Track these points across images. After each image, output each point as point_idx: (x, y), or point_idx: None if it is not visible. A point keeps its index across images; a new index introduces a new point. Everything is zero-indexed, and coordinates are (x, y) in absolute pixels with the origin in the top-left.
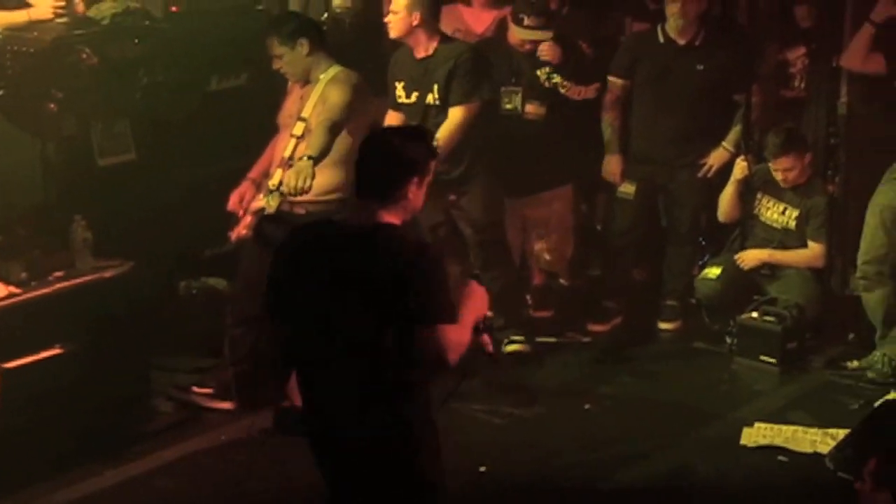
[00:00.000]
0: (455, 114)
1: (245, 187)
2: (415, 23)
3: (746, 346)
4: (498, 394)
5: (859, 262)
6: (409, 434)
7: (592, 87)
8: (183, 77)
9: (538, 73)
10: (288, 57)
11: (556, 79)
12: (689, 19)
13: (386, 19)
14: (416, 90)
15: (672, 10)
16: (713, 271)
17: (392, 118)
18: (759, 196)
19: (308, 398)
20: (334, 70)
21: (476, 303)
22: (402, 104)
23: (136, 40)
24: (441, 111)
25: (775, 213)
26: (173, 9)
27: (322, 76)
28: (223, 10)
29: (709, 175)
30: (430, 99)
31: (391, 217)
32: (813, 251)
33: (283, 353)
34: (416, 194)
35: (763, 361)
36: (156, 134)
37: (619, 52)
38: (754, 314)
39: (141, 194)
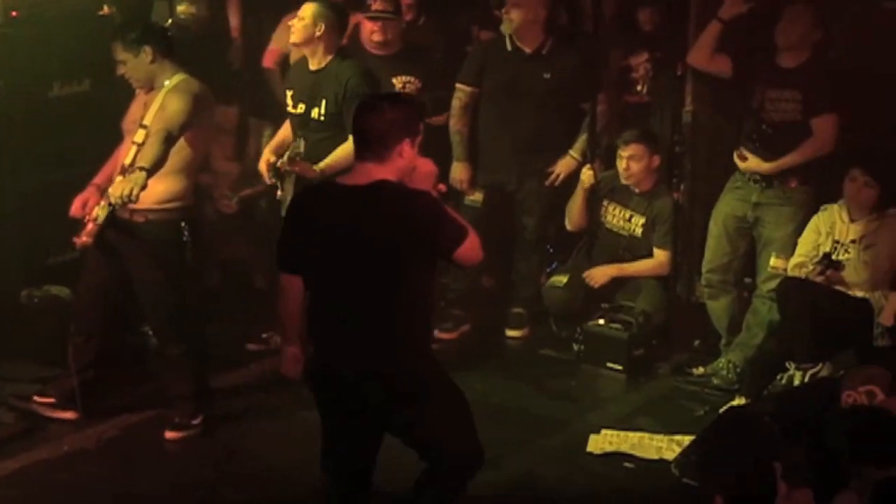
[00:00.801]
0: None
1: (89, 193)
2: (317, 33)
3: (593, 353)
4: None
5: (704, 270)
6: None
7: (444, 116)
8: (24, 82)
9: (393, 80)
10: (131, 63)
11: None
12: (531, 31)
13: (290, 22)
14: (303, 101)
15: (514, 18)
16: (560, 280)
17: (287, 122)
18: (605, 203)
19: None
20: (177, 78)
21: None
22: (290, 113)
23: None
24: (323, 127)
25: (621, 220)
26: (14, 13)
27: (166, 84)
28: (65, 16)
29: (556, 183)
30: (315, 113)
31: (387, 175)
32: (658, 259)
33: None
34: (409, 154)
35: (610, 368)
36: None
37: (468, 59)
38: (601, 321)
39: None
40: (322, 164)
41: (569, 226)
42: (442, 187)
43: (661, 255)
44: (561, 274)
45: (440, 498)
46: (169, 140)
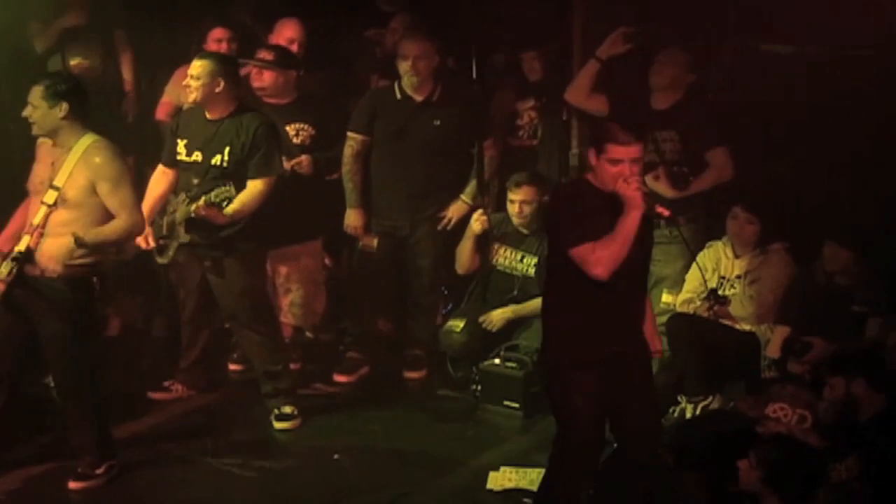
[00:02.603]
0: (255, 186)
1: None
2: (217, 90)
3: (490, 392)
4: (248, 447)
5: None
6: None
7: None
8: None
9: (287, 128)
10: (42, 112)
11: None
12: (423, 76)
13: (185, 83)
14: (200, 150)
15: (404, 67)
16: (457, 324)
17: (163, 174)
18: (496, 246)
19: None
20: (90, 139)
21: None
22: (182, 161)
23: None
24: (224, 175)
25: (513, 261)
26: None
27: (75, 144)
28: None
29: (448, 227)
30: (216, 160)
31: None
32: None
33: None
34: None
35: (507, 406)
36: None
37: (358, 108)
38: (496, 360)
39: None
40: (230, 210)
41: (459, 269)
42: None
43: None
44: (457, 318)
45: None
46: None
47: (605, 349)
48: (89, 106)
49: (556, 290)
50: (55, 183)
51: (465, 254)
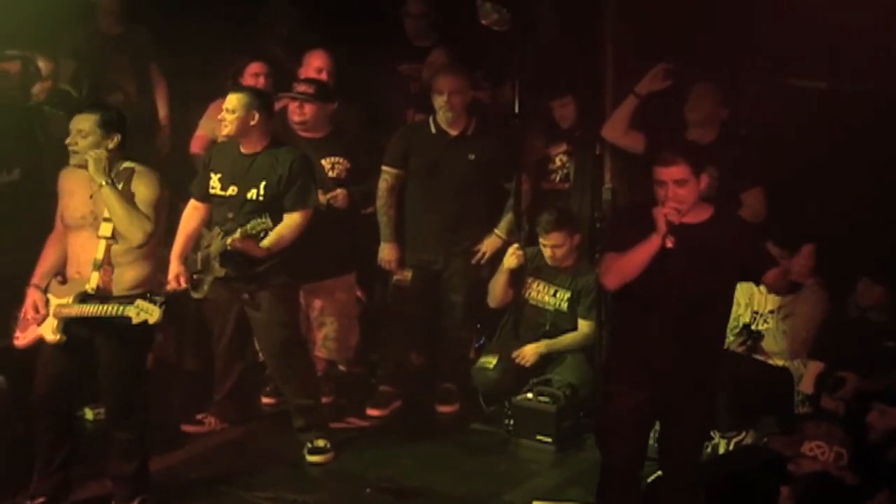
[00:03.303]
0: (293, 219)
1: (35, 296)
2: (252, 123)
3: (522, 427)
4: (281, 481)
5: None
6: None
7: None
8: None
9: (323, 162)
10: (93, 141)
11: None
12: (458, 111)
13: (219, 117)
14: (235, 184)
15: (439, 102)
16: (490, 361)
17: (195, 209)
18: (529, 280)
19: None
20: (132, 166)
21: None
22: (216, 196)
23: None
24: (260, 208)
25: (546, 295)
26: None
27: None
28: None
29: (482, 261)
30: (251, 194)
31: None
32: (583, 331)
33: None
34: None
35: (539, 441)
36: None
37: (393, 142)
38: (529, 395)
39: None
40: (267, 242)
41: (491, 303)
42: None
43: (585, 327)
44: (490, 355)
45: None
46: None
47: (653, 373)
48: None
49: (617, 313)
50: (106, 215)
51: (498, 287)
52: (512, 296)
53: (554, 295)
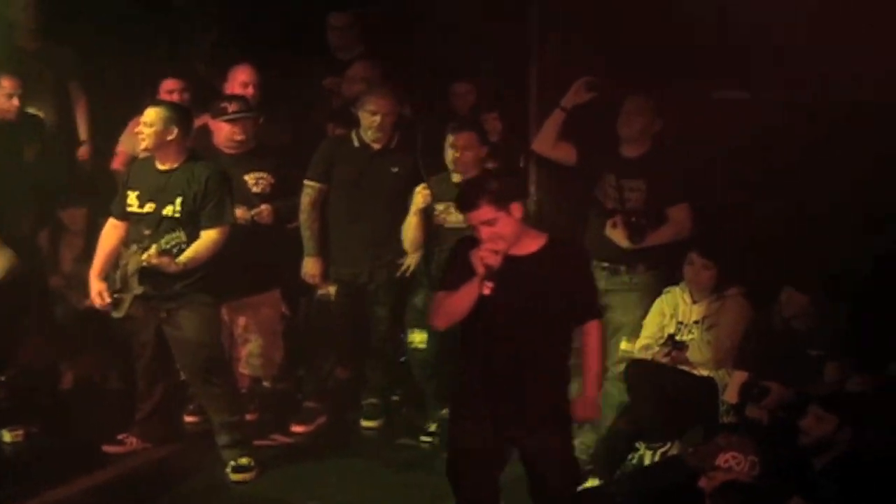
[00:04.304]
0: (209, 236)
1: None
2: (170, 137)
3: None
4: (205, 500)
5: None
6: None
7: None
8: None
9: (246, 177)
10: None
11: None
12: (387, 131)
13: (136, 131)
14: (152, 201)
15: (370, 122)
16: (419, 337)
17: (113, 227)
18: (439, 209)
19: None
20: None
21: None
22: (133, 213)
23: None
24: (177, 225)
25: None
26: None
27: None
28: None
29: (407, 274)
30: (168, 210)
31: None
32: None
33: None
34: None
35: None
36: None
37: (315, 156)
38: None
39: None
40: (182, 259)
41: (407, 246)
42: None
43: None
44: (416, 331)
45: None
46: None
47: (494, 406)
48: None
49: (460, 350)
50: None
51: (411, 230)
52: (425, 237)
53: None
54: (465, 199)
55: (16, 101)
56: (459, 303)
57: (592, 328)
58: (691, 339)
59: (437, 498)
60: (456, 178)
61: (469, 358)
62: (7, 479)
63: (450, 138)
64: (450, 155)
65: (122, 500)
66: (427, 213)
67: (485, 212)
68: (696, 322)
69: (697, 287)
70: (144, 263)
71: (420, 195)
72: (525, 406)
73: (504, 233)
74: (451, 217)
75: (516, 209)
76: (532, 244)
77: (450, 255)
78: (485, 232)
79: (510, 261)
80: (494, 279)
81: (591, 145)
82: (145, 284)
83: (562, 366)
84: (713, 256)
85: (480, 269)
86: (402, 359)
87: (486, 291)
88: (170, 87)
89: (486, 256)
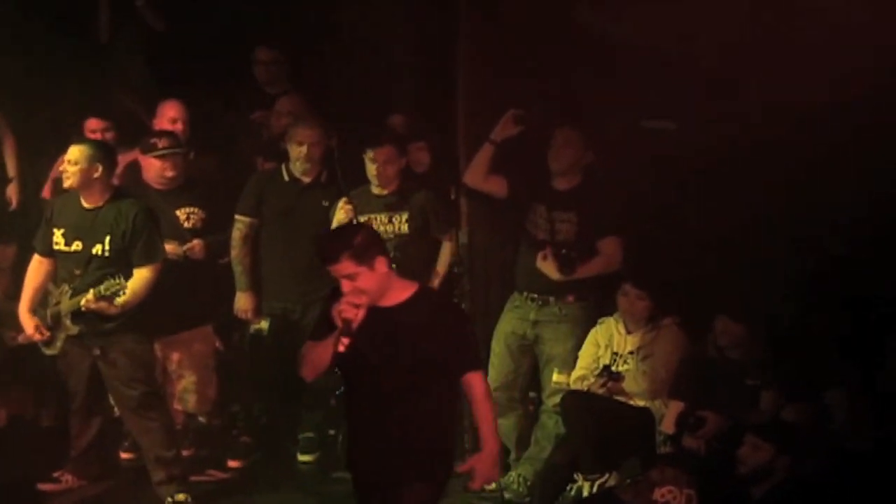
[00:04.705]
0: (142, 275)
1: None
2: (95, 175)
3: None
4: None
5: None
6: None
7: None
8: None
9: (177, 212)
10: None
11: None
12: (315, 161)
13: (61, 169)
14: (79, 239)
15: (297, 153)
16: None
17: (40, 263)
18: (359, 220)
19: None
20: None
21: None
22: (60, 251)
23: None
24: (107, 264)
25: (382, 225)
26: None
27: None
28: None
29: None
30: (97, 249)
31: None
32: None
33: None
34: None
35: None
36: None
37: (245, 190)
38: None
39: None
40: (122, 300)
41: None
42: None
43: (446, 246)
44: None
45: None
46: None
47: (372, 462)
48: None
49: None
50: None
51: None
52: None
53: (390, 221)
54: (326, 251)
55: None
56: (322, 353)
57: (474, 380)
58: (627, 370)
59: None
60: (376, 190)
61: (348, 409)
62: None
63: (369, 153)
64: (371, 169)
65: None
66: None
67: (345, 266)
68: (630, 352)
69: (632, 318)
70: (82, 308)
71: (342, 210)
72: (394, 459)
73: (365, 287)
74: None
75: (380, 263)
76: (400, 294)
77: (323, 305)
78: (345, 286)
79: (376, 312)
80: (353, 335)
81: (521, 178)
82: (78, 323)
83: (441, 418)
84: (647, 287)
85: (339, 323)
86: (339, 391)
87: (341, 348)
88: (92, 127)
89: (345, 310)
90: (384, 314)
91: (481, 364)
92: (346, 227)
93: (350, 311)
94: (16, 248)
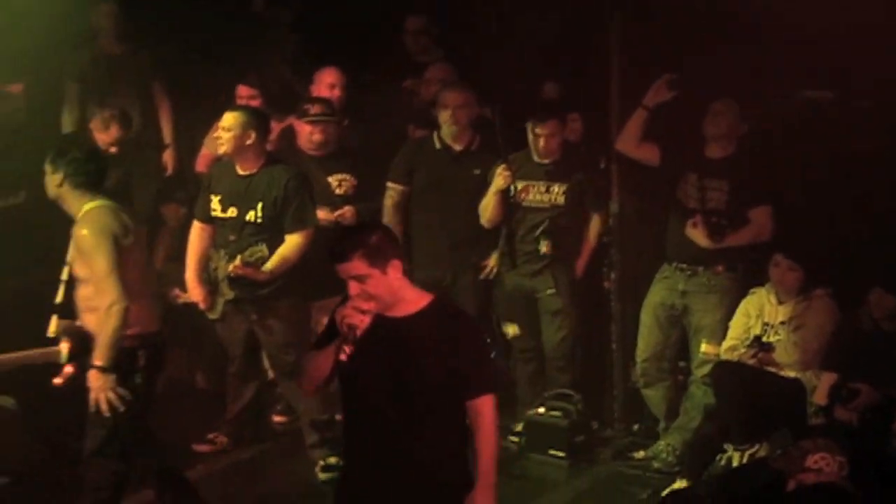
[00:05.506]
0: (293, 240)
1: None
2: (248, 141)
3: (535, 442)
4: (293, 499)
5: (638, 359)
6: None
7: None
8: None
9: (329, 179)
10: (46, 178)
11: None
12: (462, 126)
13: (215, 134)
14: (234, 205)
15: (444, 117)
16: (511, 329)
17: (200, 230)
18: (520, 187)
19: None
20: (86, 208)
21: None
22: (217, 218)
23: None
24: (261, 230)
25: (539, 194)
26: None
27: (79, 211)
28: None
29: (490, 276)
30: (250, 216)
31: None
32: (596, 222)
33: None
34: None
35: (552, 456)
36: None
37: (397, 158)
38: (541, 409)
39: None
40: (269, 266)
41: (485, 223)
42: None
43: (595, 220)
44: (508, 323)
45: None
46: (107, 287)
47: (370, 484)
48: (95, 175)
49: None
50: (68, 258)
51: (489, 210)
52: (503, 214)
53: (548, 190)
54: (338, 249)
55: None
56: (323, 363)
57: (485, 405)
58: (778, 341)
59: (523, 498)
60: (537, 158)
61: (345, 436)
62: None
63: (535, 127)
64: (535, 142)
65: (212, 498)
66: (505, 193)
67: (356, 266)
68: (782, 323)
69: (783, 288)
70: (231, 274)
71: (501, 177)
72: (399, 487)
73: (374, 292)
74: (530, 196)
75: (394, 268)
76: (412, 305)
77: (331, 314)
78: (353, 288)
79: (384, 322)
80: (355, 344)
81: (674, 145)
82: (235, 289)
83: (446, 444)
84: (799, 258)
85: (342, 329)
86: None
87: (342, 357)
88: (242, 94)
89: (349, 315)
90: (393, 325)
91: (494, 386)
92: (364, 226)
93: (355, 316)
94: (186, 210)
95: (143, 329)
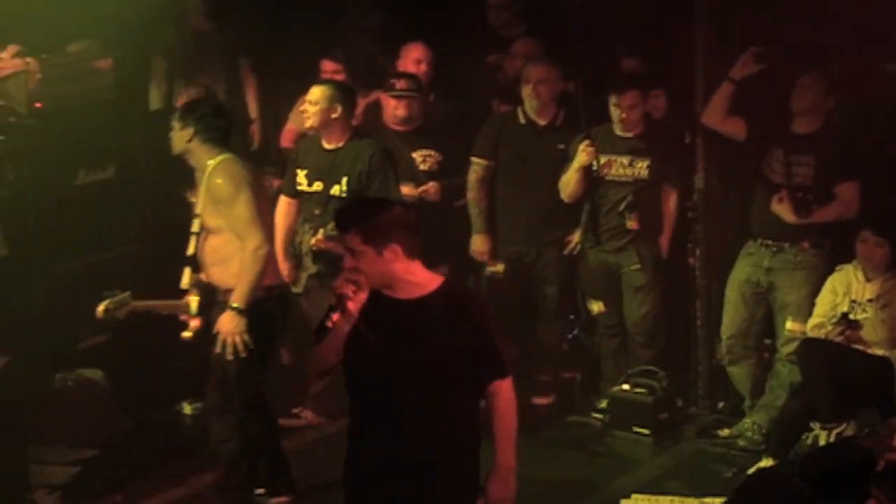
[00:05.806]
0: None
1: None
2: (334, 115)
3: (619, 418)
4: None
5: (723, 336)
6: None
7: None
8: (50, 171)
9: (414, 154)
10: (175, 132)
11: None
12: (545, 100)
13: (301, 108)
14: (320, 179)
15: (527, 91)
16: (596, 306)
17: (287, 204)
18: (603, 162)
19: None
20: (215, 161)
21: None
22: (303, 191)
23: (2, 137)
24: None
25: (622, 168)
26: (38, 105)
27: (206, 168)
28: (87, 106)
29: (574, 251)
30: (335, 190)
31: None
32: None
33: None
34: None
35: (636, 433)
36: (26, 228)
37: (482, 133)
38: (625, 386)
39: (14, 289)
40: None
41: (565, 198)
42: None
43: (673, 196)
44: (593, 300)
45: None
46: (252, 231)
47: (379, 485)
48: (223, 131)
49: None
50: (196, 210)
51: (571, 185)
52: (585, 190)
53: (631, 164)
54: (340, 218)
55: None
56: (326, 347)
57: (501, 388)
58: (865, 318)
59: (608, 475)
60: (620, 132)
61: (351, 423)
62: (186, 448)
63: (614, 98)
64: (615, 114)
65: (297, 474)
66: (588, 168)
67: (351, 239)
68: (869, 300)
69: (871, 265)
70: (313, 248)
71: (584, 153)
72: (414, 481)
73: (364, 269)
74: (613, 170)
75: (392, 252)
76: (422, 288)
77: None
78: (348, 260)
79: (390, 304)
80: (344, 313)
81: (760, 119)
82: (318, 263)
83: (460, 433)
84: (887, 234)
85: (333, 300)
86: (571, 334)
87: (329, 324)
88: (327, 69)
89: (339, 285)
90: (399, 307)
91: (508, 370)
92: (374, 204)
93: (346, 287)
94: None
95: (272, 280)
